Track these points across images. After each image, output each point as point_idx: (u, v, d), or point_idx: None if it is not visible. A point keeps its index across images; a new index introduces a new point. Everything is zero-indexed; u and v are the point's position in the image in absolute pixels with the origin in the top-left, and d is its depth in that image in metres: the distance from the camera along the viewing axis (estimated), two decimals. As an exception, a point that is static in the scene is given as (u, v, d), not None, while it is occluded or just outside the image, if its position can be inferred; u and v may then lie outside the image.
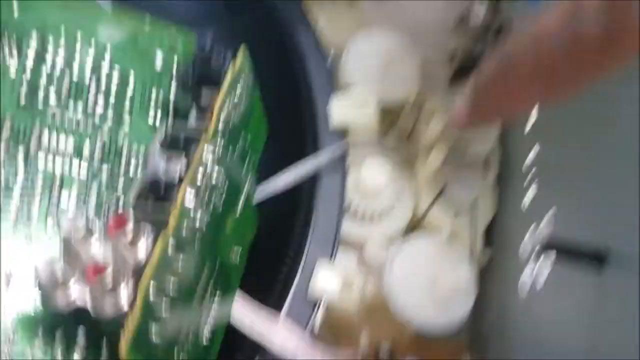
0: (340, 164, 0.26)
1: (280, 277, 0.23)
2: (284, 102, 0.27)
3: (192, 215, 0.17)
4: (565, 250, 0.18)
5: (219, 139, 0.18)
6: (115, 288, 0.15)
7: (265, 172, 0.25)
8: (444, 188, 0.28)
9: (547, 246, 0.18)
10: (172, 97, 0.21)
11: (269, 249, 0.24)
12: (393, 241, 0.27)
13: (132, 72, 0.21)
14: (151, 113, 0.21)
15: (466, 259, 0.26)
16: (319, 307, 0.23)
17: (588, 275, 0.17)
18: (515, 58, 0.16)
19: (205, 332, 0.18)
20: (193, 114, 0.19)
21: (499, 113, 0.18)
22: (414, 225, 0.28)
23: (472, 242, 0.27)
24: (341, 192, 0.26)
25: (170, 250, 0.15)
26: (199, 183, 0.17)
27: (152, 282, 0.14)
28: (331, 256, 0.25)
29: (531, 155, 0.26)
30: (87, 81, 0.20)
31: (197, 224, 0.17)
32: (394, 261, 0.25)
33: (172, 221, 0.15)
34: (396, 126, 0.30)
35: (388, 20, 0.32)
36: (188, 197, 0.16)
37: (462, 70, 0.32)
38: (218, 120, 0.18)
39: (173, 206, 0.16)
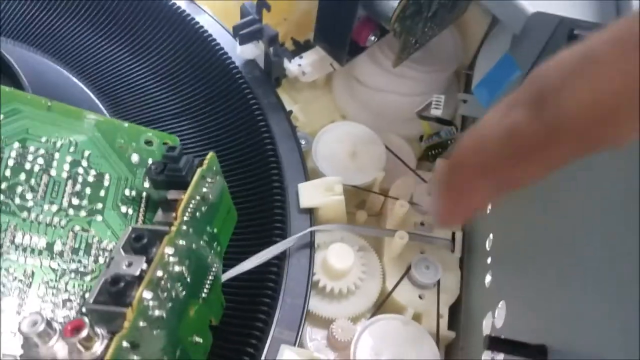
0: (308, 247, 0.28)
1: (247, 358, 0.24)
2: (255, 187, 0.28)
3: (149, 314, 0.18)
4: (511, 344, 0.19)
5: (181, 239, 0.20)
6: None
7: (235, 254, 0.26)
8: (409, 269, 0.29)
9: (493, 340, 0.19)
10: (143, 196, 0.23)
11: (234, 330, 0.25)
12: (360, 320, 0.28)
13: (107, 171, 0.23)
14: (123, 210, 0.22)
15: (430, 338, 0.27)
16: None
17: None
18: (460, 157, 0.16)
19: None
20: (159, 215, 0.21)
21: (457, 211, 0.18)
22: (380, 305, 0.29)
23: (437, 322, 0.28)
24: (308, 276, 0.27)
25: (123, 352, 0.17)
26: (157, 283, 0.18)
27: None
28: (297, 335, 0.26)
29: (488, 241, 0.27)
30: (63, 182, 0.22)
31: (155, 320, 0.18)
32: (360, 340, 0.26)
33: (126, 324, 0.17)
34: (365, 207, 0.32)
35: (359, 108, 0.34)
36: (144, 299, 0.18)
37: (431, 150, 0.34)
38: (181, 222, 0.20)
39: (129, 309, 0.17)
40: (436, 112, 0.28)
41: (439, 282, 0.29)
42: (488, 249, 0.27)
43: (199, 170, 0.22)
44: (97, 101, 0.29)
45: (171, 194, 0.21)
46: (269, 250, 0.26)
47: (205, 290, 0.23)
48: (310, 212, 0.29)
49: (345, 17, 0.29)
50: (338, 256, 0.28)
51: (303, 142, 0.31)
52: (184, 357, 0.21)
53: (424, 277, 0.29)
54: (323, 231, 0.29)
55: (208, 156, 0.22)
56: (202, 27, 0.31)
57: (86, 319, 0.16)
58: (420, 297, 0.29)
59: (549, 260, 0.21)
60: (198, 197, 0.21)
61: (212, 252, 0.23)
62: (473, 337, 0.27)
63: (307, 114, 0.34)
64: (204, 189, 0.22)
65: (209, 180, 0.22)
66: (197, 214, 0.21)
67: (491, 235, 0.27)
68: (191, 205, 0.21)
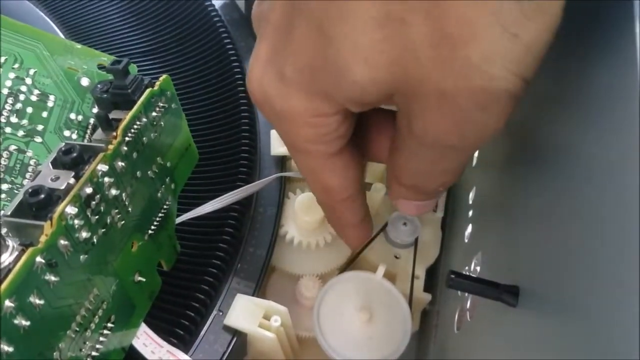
0: (277, 195, 0.26)
1: (199, 305, 0.22)
2: (224, 130, 0.27)
3: (74, 234, 0.16)
4: (477, 281, 0.17)
5: (121, 160, 0.18)
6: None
7: (195, 199, 0.24)
8: (385, 225, 0.27)
9: (456, 275, 0.17)
10: (91, 122, 0.21)
11: (187, 277, 0.23)
12: (328, 277, 0.26)
13: (53, 92, 0.21)
14: (66, 134, 0.21)
15: (402, 297, 0.24)
16: (235, 340, 0.22)
17: (507, 309, 0.16)
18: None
19: (89, 360, 0.17)
20: (98, 133, 0.19)
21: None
22: (350, 263, 0.27)
23: (412, 280, 0.26)
24: (274, 226, 0.25)
25: (37, 269, 0.15)
26: (86, 202, 0.17)
27: (7, 300, 0.14)
28: (256, 287, 0.24)
29: (472, 195, 0.25)
30: (3, 98, 0.20)
31: (82, 243, 0.16)
32: (324, 298, 0.24)
33: (42, 239, 0.15)
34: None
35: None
36: (67, 214, 0.16)
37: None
38: (122, 141, 0.18)
39: (47, 223, 0.15)
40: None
41: (417, 240, 0.27)
42: (470, 202, 0.25)
43: (148, 90, 0.20)
44: (60, 34, 0.27)
45: (114, 114, 0.19)
46: (232, 194, 0.24)
47: (152, 227, 0.21)
48: (283, 160, 0.27)
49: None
50: (307, 207, 0.25)
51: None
52: (121, 294, 0.19)
53: (400, 234, 0.27)
54: (294, 176, 0.27)
55: (161, 78, 0.20)
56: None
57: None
58: (396, 256, 0.27)
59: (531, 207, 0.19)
60: (145, 120, 0.20)
61: (164, 187, 0.21)
62: (450, 301, 0.25)
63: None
64: (154, 113, 0.20)
65: (160, 104, 0.20)
66: (144, 138, 0.20)
67: (474, 189, 0.25)
68: (136, 126, 0.19)
